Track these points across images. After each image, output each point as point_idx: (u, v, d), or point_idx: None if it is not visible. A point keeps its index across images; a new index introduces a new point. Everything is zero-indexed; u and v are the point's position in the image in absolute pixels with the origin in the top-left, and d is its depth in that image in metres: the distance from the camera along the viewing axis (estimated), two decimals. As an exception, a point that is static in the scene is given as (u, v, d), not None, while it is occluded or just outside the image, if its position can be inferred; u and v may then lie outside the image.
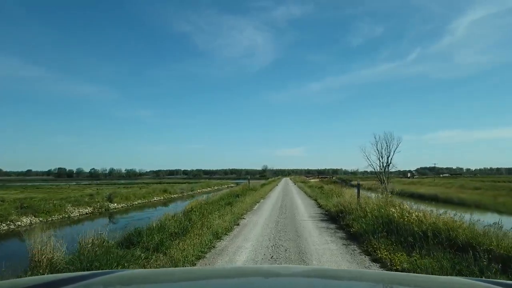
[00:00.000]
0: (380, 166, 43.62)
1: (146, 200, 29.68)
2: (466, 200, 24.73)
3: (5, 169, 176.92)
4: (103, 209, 22.41)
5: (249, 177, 32.30)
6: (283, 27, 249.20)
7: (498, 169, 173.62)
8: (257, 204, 16.32)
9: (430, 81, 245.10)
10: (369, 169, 47.25)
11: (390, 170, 44.81)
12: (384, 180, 42.50)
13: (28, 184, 70.28)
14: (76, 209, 20.47)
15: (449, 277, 2.02)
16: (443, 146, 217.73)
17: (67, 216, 19.11)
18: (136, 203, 27.43)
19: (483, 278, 1.90)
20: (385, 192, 36.76)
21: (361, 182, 58.66)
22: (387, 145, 42.86)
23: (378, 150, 43.51)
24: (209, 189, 54.06)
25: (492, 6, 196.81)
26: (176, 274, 1.56)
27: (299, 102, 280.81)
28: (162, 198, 33.10)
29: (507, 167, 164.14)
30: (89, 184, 72.43)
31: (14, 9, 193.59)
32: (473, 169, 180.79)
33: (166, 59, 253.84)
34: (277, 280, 1.36)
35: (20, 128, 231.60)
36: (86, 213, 20.75)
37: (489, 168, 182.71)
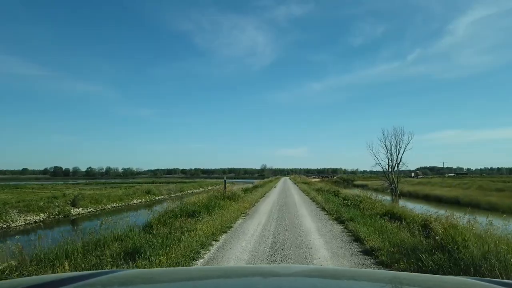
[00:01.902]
0: (388, 165, 39.51)
1: (123, 203, 25.72)
2: (499, 205, 20.72)
3: (2, 167, 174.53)
4: (61, 216, 18.46)
5: (225, 178, 20.14)
6: (284, 26, 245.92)
7: (499, 169, 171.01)
8: (220, 238, 7.49)
9: (431, 82, 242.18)
10: (376, 169, 43.05)
11: (399, 169, 40.80)
12: (393, 180, 38.44)
13: (11, 183, 66.19)
14: (23, 216, 16.50)
15: (451, 276, 1.70)
16: (443, 146, 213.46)
17: (5, 226, 15.14)
18: (109, 207, 23.47)
19: (485, 278, 1.61)
20: (396, 194, 32.39)
21: (364, 183, 53.52)
22: (396, 142, 38.66)
23: (386, 147, 39.32)
24: (201, 189, 49.86)
25: (492, 7, 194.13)
26: (175, 273, 1.56)
27: (300, 102, 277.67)
28: (144, 200, 29.13)
29: (508, 167, 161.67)
30: (77, 184, 68.47)
31: (15, 8, 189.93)
32: (474, 169, 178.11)
33: (167, 58, 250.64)
34: (276, 280, 1.33)
35: (19, 127, 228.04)
36: (36, 222, 16.79)
37: (489, 168, 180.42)
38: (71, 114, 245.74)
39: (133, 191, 30.80)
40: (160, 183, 67.55)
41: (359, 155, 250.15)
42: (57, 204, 19.46)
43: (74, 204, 20.32)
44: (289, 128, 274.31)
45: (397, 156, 37.14)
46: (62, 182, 76.76)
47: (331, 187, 24.57)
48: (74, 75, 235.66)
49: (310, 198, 19.67)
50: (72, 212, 19.53)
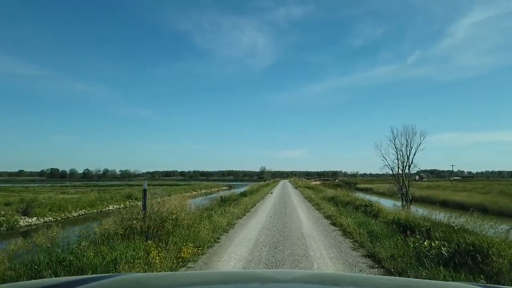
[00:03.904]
0: (399, 167, 35.77)
1: (95, 210, 22.16)
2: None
3: (0, 169, 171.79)
4: (3, 228, 14.90)
5: (144, 185, 7.00)
6: (284, 27, 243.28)
7: (500, 172, 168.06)
8: None
9: (431, 83, 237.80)
10: (384, 171, 39.21)
11: (410, 171, 37.07)
12: (404, 183, 34.76)
13: (-4, 185, 62.71)
14: None
15: (454, 282, 1.77)
16: (443, 148, 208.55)
17: None
18: (75, 215, 19.94)
19: (491, 285, 1.51)
20: (407, 199, 28.41)
21: (368, 186, 49.20)
22: (407, 142, 34.96)
23: (396, 148, 35.58)
24: (194, 193, 46.41)
25: (492, 9, 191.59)
26: (174, 278, 1.58)
27: (300, 103, 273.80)
28: (122, 206, 25.49)
29: (508, 170, 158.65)
30: (66, 186, 64.90)
31: (14, 8, 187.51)
32: (475, 172, 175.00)
33: (167, 58, 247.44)
34: (275, 285, 1.32)
35: (19, 127, 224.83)
36: (-36, 237, 13.23)
37: (490, 171, 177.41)
38: (71, 115, 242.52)
39: (110, 195, 27.21)
40: (153, 185, 64.15)
41: (359, 157, 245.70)
42: (3, 213, 15.88)
43: (26, 213, 16.77)
44: (289, 129, 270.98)
45: (408, 157, 33.59)
46: (50, 185, 73.26)
47: (354, 198, 16.16)
48: (74, 75, 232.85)
49: (326, 217, 12.02)
50: (22, 223, 15.98)
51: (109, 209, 23.80)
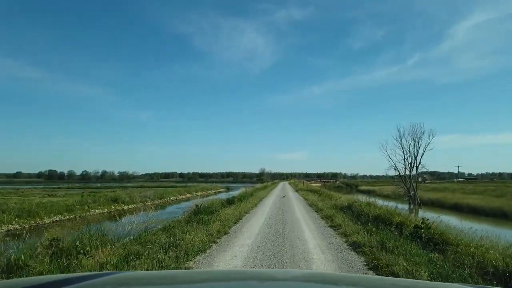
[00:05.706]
0: (405, 168, 33.49)
1: (73, 216, 20.03)
2: None
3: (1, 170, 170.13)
4: (-47, 239, 12.78)
5: None
6: (284, 30, 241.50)
7: (500, 174, 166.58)
8: None
9: (431, 85, 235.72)
10: (390, 172, 36.86)
11: (418, 173, 34.88)
12: (412, 186, 32.57)
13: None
14: None
15: (451, 284, 1.62)
16: (443, 151, 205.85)
17: None
18: (48, 221, 17.81)
19: (486, 286, 1.62)
20: (415, 202, 25.76)
21: (370, 188, 46.60)
22: (414, 141, 32.75)
23: (403, 147, 33.39)
24: (188, 195, 44.03)
25: (492, 11, 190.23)
26: (174, 276, 1.57)
27: (301, 106, 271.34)
28: (106, 211, 23.42)
29: (508, 172, 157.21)
30: (59, 188, 62.78)
31: (14, 10, 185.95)
32: (475, 174, 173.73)
33: (166, 61, 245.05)
34: (274, 284, 1.31)
35: (18, 129, 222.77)
36: None
37: (491, 173, 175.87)
38: (70, 116, 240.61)
39: (93, 199, 25.05)
40: (149, 187, 62.04)
41: (359, 158, 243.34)
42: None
43: (-14, 220, 14.65)
44: (289, 131, 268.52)
45: (416, 158, 31.45)
46: (43, 187, 71.03)
47: (387, 210, 10.55)
48: (74, 77, 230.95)
49: (352, 246, 7.05)
50: (-22, 231, 13.86)
51: (91, 214, 21.72)
